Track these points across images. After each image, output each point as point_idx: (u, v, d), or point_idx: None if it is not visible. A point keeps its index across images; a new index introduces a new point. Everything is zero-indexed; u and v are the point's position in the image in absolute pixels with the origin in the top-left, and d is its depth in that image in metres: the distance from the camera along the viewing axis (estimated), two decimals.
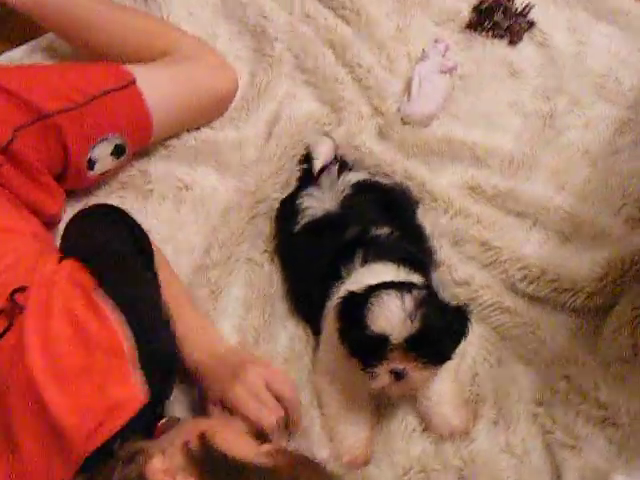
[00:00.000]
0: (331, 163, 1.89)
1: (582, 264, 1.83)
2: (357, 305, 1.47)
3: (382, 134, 2.11)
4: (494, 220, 1.93)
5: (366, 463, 1.62)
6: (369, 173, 1.95)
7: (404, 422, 1.70)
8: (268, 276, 1.89)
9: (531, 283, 1.82)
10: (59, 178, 1.87)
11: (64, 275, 1.48)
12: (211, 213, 1.99)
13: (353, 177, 1.84)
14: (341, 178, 1.83)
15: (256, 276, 1.89)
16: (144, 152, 2.08)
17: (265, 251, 1.93)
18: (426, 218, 1.93)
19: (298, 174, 1.97)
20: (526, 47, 2.31)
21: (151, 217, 1.99)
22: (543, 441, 1.68)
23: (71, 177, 1.88)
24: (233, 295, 1.86)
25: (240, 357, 1.60)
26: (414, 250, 1.75)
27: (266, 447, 1.34)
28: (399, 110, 2.12)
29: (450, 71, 2.21)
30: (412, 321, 1.43)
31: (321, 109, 2.17)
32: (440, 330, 1.47)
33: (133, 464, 1.22)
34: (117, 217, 1.69)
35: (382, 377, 1.48)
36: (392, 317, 1.44)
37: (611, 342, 1.74)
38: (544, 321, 1.79)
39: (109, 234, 1.63)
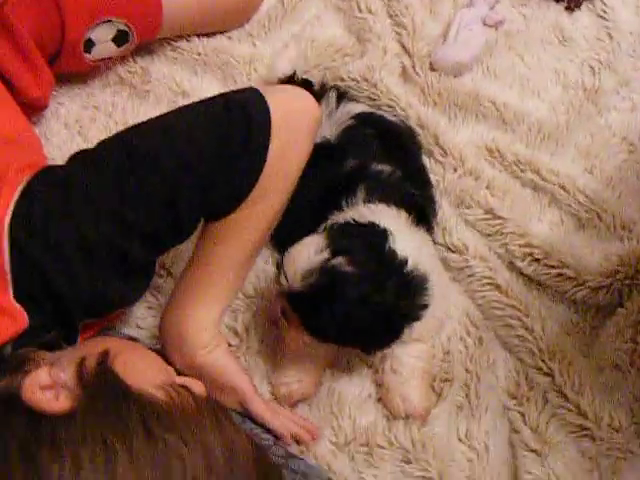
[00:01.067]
0: (330, 89, 1.73)
1: (593, 255, 1.64)
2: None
3: (405, 75, 1.93)
4: (506, 189, 1.75)
5: (300, 401, 1.51)
6: (370, 106, 1.77)
7: (361, 386, 1.56)
8: None
9: (532, 264, 1.64)
10: (52, 60, 1.71)
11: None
12: None
13: (353, 108, 1.67)
14: (340, 107, 1.65)
15: None
16: (149, 49, 1.93)
17: None
18: (431, 171, 1.75)
19: None
20: (583, 16, 2.10)
21: (141, 119, 1.76)
22: (508, 439, 1.52)
23: (65, 57, 1.71)
24: None
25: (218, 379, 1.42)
26: (419, 195, 1.59)
27: (179, 379, 1.17)
28: (430, 55, 1.93)
29: (496, 25, 2.01)
30: (302, 279, 1.30)
31: (346, 38, 2.00)
32: (326, 313, 1.31)
33: (20, 374, 1.06)
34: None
35: (277, 306, 1.40)
36: (291, 262, 1.32)
37: (608, 345, 1.55)
38: (537, 308, 1.60)
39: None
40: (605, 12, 2.09)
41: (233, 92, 1.39)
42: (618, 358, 1.53)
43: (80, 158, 1.34)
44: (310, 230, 1.47)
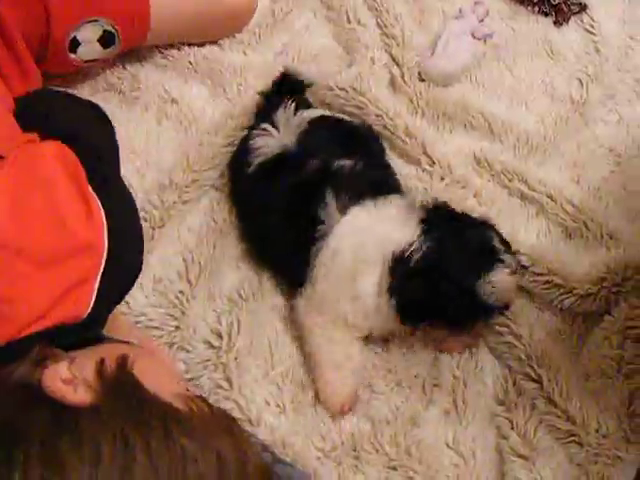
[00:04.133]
0: (289, 99, 1.71)
1: (580, 263, 1.64)
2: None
3: (394, 85, 1.93)
4: (494, 198, 1.76)
5: (351, 409, 1.52)
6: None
7: None
8: (231, 210, 1.73)
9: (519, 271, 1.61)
10: (39, 59, 1.68)
11: (52, 153, 1.32)
12: (191, 133, 1.84)
13: (311, 113, 1.68)
14: (297, 114, 1.65)
15: (219, 208, 1.74)
16: (139, 56, 1.93)
17: None
18: (420, 181, 1.76)
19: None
20: (571, 30, 2.11)
21: (130, 125, 1.85)
22: (495, 445, 1.51)
23: (51, 56, 1.68)
24: (187, 223, 1.72)
25: None
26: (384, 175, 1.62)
27: (192, 392, 1.19)
28: (419, 65, 1.94)
29: (484, 38, 2.02)
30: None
31: (334, 48, 2.00)
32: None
33: (39, 367, 1.06)
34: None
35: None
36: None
37: (595, 351, 1.55)
38: (525, 315, 1.60)
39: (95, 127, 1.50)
40: (592, 27, 2.11)
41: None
42: (605, 365, 1.53)
43: None
44: (292, 240, 1.52)
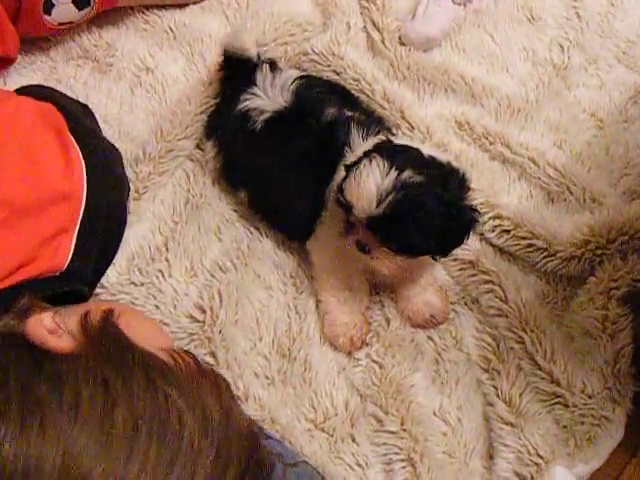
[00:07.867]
0: (262, 63, 1.66)
1: (563, 227, 1.61)
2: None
3: (374, 50, 1.91)
4: (475, 162, 1.73)
5: (362, 345, 1.53)
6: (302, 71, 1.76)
7: (332, 362, 1.53)
8: (206, 183, 1.71)
9: (502, 235, 1.61)
10: (13, 21, 1.66)
11: (31, 108, 1.33)
12: (165, 102, 1.81)
13: (292, 74, 1.64)
14: (278, 76, 1.61)
15: (194, 180, 1.71)
16: (118, 23, 1.92)
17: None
18: None
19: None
20: None
21: (103, 94, 1.82)
22: (483, 413, 1.49)
23: (26, 17, 1.66)
24: (160, 196, 1.68)
25: None
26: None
27: (177, 349, 1.16)
28: (399, 29, 1.91)
29: (464, 3, 1.99)
30: (379, 203, 1.27)
31: (310, 12, 1.96)
32: (412, 224, 1.30)
33: (24, 318, 1.06)
34: None
35: (350, 242, 1.37)
36: (360, 192, 1.29)
37: (580, 313, 1.53)
38: (509, 278, 1.57)
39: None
40: None
41: None
42: (590, 325, 1.51)
43: None
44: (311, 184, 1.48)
